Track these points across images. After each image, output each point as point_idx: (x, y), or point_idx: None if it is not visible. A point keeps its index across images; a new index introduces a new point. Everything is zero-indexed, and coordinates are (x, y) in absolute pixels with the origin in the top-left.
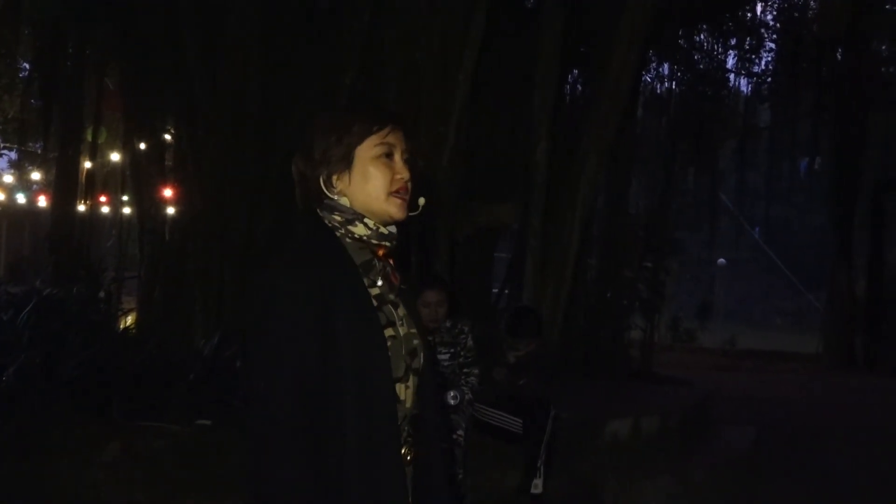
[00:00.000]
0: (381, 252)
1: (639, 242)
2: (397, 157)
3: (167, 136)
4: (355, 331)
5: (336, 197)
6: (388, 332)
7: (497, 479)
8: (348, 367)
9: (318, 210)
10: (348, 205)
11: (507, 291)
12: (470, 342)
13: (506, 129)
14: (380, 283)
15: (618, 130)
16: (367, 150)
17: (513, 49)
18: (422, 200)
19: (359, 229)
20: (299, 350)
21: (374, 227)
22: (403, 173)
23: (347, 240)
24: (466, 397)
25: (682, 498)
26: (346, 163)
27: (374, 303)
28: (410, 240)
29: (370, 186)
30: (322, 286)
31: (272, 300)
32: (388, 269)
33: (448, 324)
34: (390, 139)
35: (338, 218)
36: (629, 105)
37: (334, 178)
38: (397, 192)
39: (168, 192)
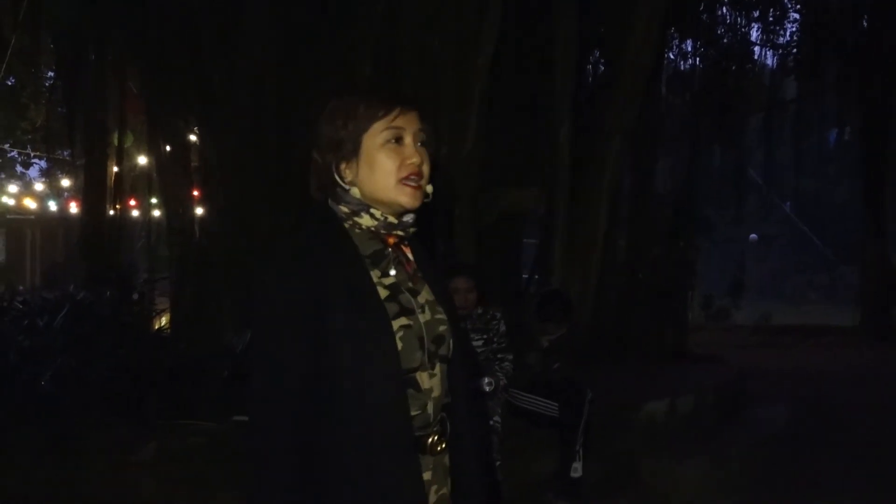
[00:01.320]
0: (391, 240)
1: (667, 221)
2: (408, 140)
3: (192, 137)
4: (354, 324)
5: (347, 186)
6: (402, 321)
7: (534, 464)
8: (346, 362)
9: (330, 199)
10: (358, 195)
11: (536, 276)
12: (502, 328)
13: (527, 113)
14: (393, 272)
15: (641, 109)
16: (374, 137)
17: (532, 32)
18: (429, 188)
19: (365, 220)
20: (291, 350)
21: (382, 218)
22: (413, 157)
23: (356, 230)
24: (501, 383)
25: (720, 476)
26: (354, 151)
27: (387, 292)
28: (435, 228)
29: (377, 175)
30: (317, 282)
31: (265, 298)
32: (402, 256)
33: (479, 310)
34: (399, 122)
35: (345, 209)
36: (652, 83)
37: (342, 166)
38: (407, 178)
39: (195, 192)
